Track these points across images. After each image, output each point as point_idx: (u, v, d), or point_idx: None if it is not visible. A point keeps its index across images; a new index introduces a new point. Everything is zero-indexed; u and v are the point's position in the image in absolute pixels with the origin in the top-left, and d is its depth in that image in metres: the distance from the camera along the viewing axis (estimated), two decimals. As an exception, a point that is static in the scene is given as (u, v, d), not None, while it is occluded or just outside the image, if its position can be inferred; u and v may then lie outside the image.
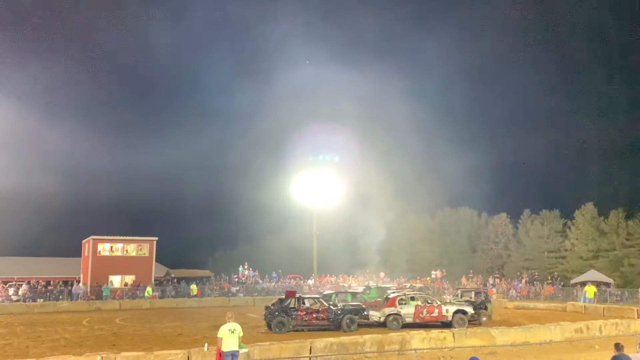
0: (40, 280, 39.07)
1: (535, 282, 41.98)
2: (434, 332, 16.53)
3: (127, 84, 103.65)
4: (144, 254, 41.08)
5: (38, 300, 33.44)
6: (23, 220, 55.05)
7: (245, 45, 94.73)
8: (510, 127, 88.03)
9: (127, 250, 41.12)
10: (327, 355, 14.36)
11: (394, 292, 24.07)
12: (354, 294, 25.58)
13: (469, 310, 21.78)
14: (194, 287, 37.74)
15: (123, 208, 78.44)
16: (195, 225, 79.05)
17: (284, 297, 22.04)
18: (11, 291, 34.74)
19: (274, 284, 41.91)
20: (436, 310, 21.50)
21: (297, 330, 20.04)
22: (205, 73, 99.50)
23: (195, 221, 79.82)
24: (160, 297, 35.89)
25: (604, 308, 27.41)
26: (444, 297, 29.57)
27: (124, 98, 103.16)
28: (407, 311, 21.22)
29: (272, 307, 20.97)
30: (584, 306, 28.80)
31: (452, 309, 21.68)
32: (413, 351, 14.37)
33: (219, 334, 11.69)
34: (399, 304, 21.39)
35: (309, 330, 20.01)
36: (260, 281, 42.76)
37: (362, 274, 44.20)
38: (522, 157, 74.13)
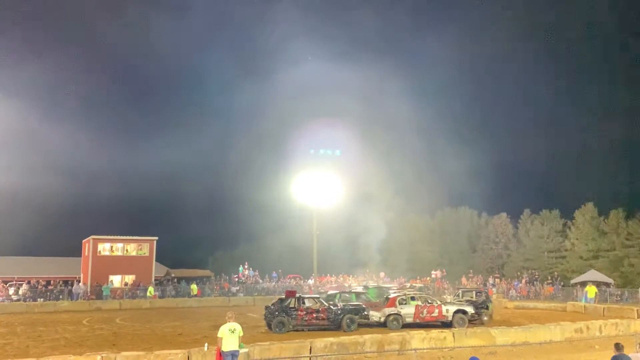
0: (41, 280, 39.10)
1: (535, 282, 41.98)
2: (434, 332, 16.54)
3: (127, 83, 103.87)
4: (144, 253, 41.10)
5: (38, 299, 33.45)
6: (23, 220, 55.04)
7: (246, 44, 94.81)
8: (511, 127, 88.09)
9: (127, 250, 41.14)
10: (327, 355, 14.36)
11: (395, 292, 24.08)
12: (358, 294, 25.55)
13: (469, 310, 21.78)
14: (194, 287, 37.74)
15: (123, 208, 78.55)
16: (195, 225, 79.07)
17: (284, 297, 22.05)
18: (11, 291, 34.77)
19: (274, 283, 41.92)
20: (436, 310, 21.49)
21: (297, 330, 20.04)
22: (205, 72, 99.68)
23: (196, 221, 79.82)
24: (161, 297, 35.91)
25: (604, 308, 27.41)
26: (444, 297, 29.57)
27: (124, 98, 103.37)
28: (408, 311, 21.21)
29: (272, 307, 20.97)
30: (584, 306, 28.80)
31: (453, 308, 21.68)
32: (413, 351, 14.37)
33: (219, 334, 11.69)
34: (399, 304, 21.39)
35: (309, 330, 20.01)
36: (261, 281, 42.77)
37: (362, 274, 44.20)
38: (522, 157, 74.13)
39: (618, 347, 9.81)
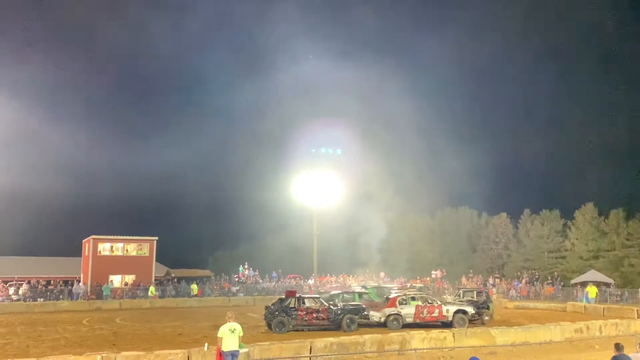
0: (41, 280, 39.10)
1: (535, 282, 41.97)
2: (434, 332, 16.54)
3: (127, 83, 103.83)
4: (144, 253, 41.11)
5: (38, 299, 33.46)
6: (23, 220, 55.07)
7: (246, 44, 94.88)
8: (511, 126, 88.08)
9: (127, 250, 41.15)
10: (327, 355, 14.36)
11: (396, 292, 24.08)
12: (361, 294, 25.55)
13: (470, 310, 21.78)
14: (194, 287, 37.74)
15: (123, 208, 78.58)
16: (196, 225, 79.12)
17: (284, 296, 22.06)
18: (11, 291, 34.78)
19: (274, 283, 41.91)
20: (437, 310, 21.49)
21: (297, 330, 20.04)
22: (205, 72, 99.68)
23: (196, 221, 79.87)
24: (161, 297, 35.91)
25: (604, 308, 27.40)
26: (444, 297, 29.57)
27: (124, 97, 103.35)
28: (408, 311, 21.21)
29: (272, 307, 20.97)
30: (584, 306, 28.80)
31: (453, 309, 21.67)
32: (413, 351, 14.37)
33: (219, 334, 11.69)
34: (400, 304, 21.39)
35: (309, 330, 20.01)
36: (261, 281, 42.77)
37: (362, 274, 44.19)
38: (522, 157, 74.13)
39: (618, 347, 9.80)
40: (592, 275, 40.43)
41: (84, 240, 42.49)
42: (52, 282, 38.26)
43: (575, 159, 71.01)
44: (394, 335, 16.11)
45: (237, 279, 42.20)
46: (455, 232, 59.73)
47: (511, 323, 21.65)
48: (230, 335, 11.59)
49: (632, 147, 61.58)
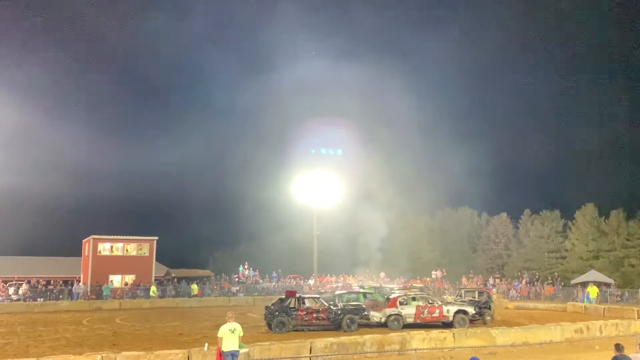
0: (41, 280, 39.09)
1: (535, 283, 41.96)
2: (434, 332, 16.54)
3: (127, 83, 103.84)
4: (144, 253, 41.09)
5: (38, 299, 33.43)
6: (23, 219, 55.13)
7: (246, 43, 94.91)
8: (511, 126, 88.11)
9: (127, 250, 41.13)
10: (327, 355, 14.36)
11: (397, 292, 24.06)
12: (365, 294, 25.53)
13: (470, 310, 21.77)
14: (194, 287, 37.72)
15: (123, 208, 78.56)
16: (196, 225, 79.15)
17: (284, 297, 22.05)
18: (11, 290, 34.76)
19: (274, 283, 41.90)
20: (437, 311, 21.47)
21: (297, 330, 20.03)
22: (206, 72, 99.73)
23: (196, 221, 79.92)
24: (161, 297, 35.86)
25: (604, 308, 27.40)
26: (444, 297, 29.56)
27: (124, 97, 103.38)
28: (408, 311, 21.19)
29: (272, 307, 20.96)
30: (584, 306, 28.79)
31: (453, 309, 21.65)
32: (413, 351, 14.35)
33: (219, 334, 11.69)
34: (400, 304, 21.37)
35: (309, 330, 20.00)
36: (261, 281, 42.75)
37: (362, 274, 44.17)
38: (522, 157, 74.14)
39: (618, 347, 9.79)
40: (593, 275, 40.43)
41: (84, 240, 42.48)
42: (52, 282, 38.27)
43: (575, 159, 71.10)
44: (394, 336, 16.11)
45: (237, 279, 42.18)
46: (455, 232, 59.74)
47: (511, 323, 21.64)
48: (230, 335, 11.58)
49: (632, 147, 61.68)
